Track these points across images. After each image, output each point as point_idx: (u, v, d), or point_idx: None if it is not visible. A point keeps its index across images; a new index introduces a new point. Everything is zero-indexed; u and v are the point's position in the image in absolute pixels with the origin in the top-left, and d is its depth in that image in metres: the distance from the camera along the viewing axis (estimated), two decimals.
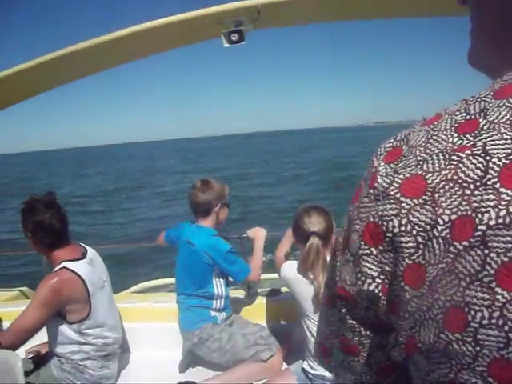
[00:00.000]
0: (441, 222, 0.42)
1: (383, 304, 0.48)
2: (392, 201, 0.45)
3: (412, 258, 0.43)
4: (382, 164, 0.48)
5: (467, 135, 0.44)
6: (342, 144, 70.74)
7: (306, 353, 2.35)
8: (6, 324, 2.54)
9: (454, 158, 0.43)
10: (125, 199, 23.02)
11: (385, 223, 0.46)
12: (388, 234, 0.45)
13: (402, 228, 0.44)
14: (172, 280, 4.48)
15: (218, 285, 2.73)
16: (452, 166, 0.43)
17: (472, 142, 0.43)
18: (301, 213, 2.29)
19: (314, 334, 2.23)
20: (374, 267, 0.47)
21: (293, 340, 2.77)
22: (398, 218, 0.44)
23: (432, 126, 0.47)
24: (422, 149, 0.46)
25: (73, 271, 2.32)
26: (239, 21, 2.46)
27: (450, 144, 0.44)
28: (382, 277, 0.46)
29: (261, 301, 3.10)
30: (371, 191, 0.48)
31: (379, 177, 0.48)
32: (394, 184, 0.46)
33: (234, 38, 2.43)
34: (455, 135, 0.44)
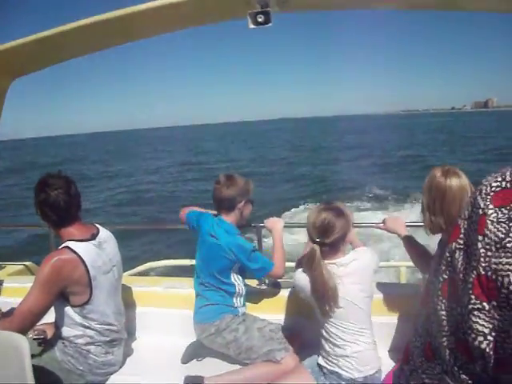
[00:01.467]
0: None
1: (491, 362, 0.43)
2: (509, 254, 0.40)
3: None
4: (492, 207, 0.44)
5: None
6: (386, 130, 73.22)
7: (321, 348, 2.31)
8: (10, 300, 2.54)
9: None
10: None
11: (500, 278, 0.41)
12: (503, 291, 0.41)
13: None
14: (177, 262, 4.50)
15: (237, 279, 2.71)
16: None
17: None
18: (312, 213, 2.23)
19: (330, 333, 2.20)
20: (485, 323, 0.42)
21: (303, 335, 2.73)
22: None
23: None
24: None
25: (74, 252, 2.29)
26: (266, 2, 2.38)
27: None
28: (493, 334, 0.42)
29: (268, 294, 3.05)
30: (480, 238, 0.43)
31: (490, 222, 0.42)
32: (511, 235, 0.41)
33: (260, 20, 2.34)
34: None
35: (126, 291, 2.89)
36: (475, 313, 0.42)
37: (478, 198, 0.45)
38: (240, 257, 2.61)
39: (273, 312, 2.90)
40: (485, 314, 0.42)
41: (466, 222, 0.45)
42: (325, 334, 2.25)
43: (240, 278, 2.73)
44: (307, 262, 2.20)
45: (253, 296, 2.94)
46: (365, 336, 2.21)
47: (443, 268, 0.46)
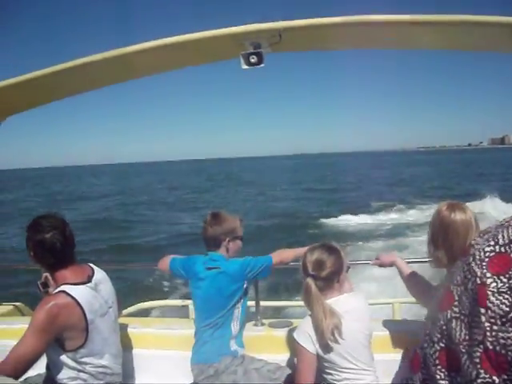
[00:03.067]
0: None
1: None
2: None
3: None
4: (489, 275, 0.42)
5: None
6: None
7: None
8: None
9: None
10: None
11: (510, 353, 0.38)
12: None
13: None
14: (168, 302, 4.43)
15: (239, 308, 2.70)
16: None
17: None
18: (307, 250, 2.25)
19: (332, 372, 2.13)
20: None
21: None
22: None
23: None
24: None
25: (71, 296, 2.21)
26: (258, 43, 2.45)
27: None
28: None
29: (265, 334, 2.99)
30: (483, 311, 0.41)
31: (490, 294, 0.41)
32: None
33: (252, 60, 2.41)
34: None
35: (121, 333, 2.83)
36: None
37: (473, 264, 0.44)
38: (246, 271, 2.65)
39: (270, 352, 2.84)
40: None
41: (459, 289, 0.44)
42: (327, 372, 2.18)
43: (243, 307, 2.71)
44: (304, 298, 2.17)
45: (250, 336, 2.88)
46: (368, 374, 2.16)
47: (438, 336, 0.45)
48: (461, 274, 0.43)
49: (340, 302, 2.18)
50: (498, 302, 0.39)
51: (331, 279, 2.18)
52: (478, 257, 0.42)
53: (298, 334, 2.19)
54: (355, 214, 22.59)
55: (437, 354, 0.44)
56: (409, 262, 2.66)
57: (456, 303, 0.41)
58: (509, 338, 0.36)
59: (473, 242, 0.44)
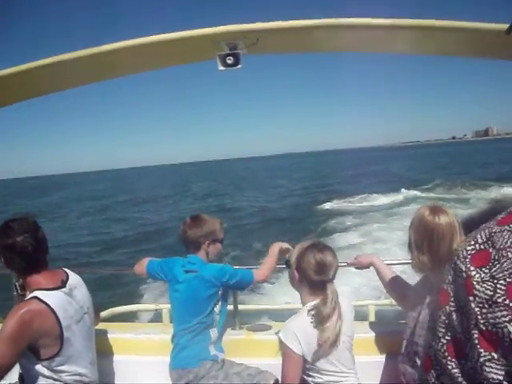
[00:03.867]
0: None
1: None
2: (502, 308, 0.47)
3: None
4: (473, 268, 0.50)
5: None
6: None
7: None
8: None
9: None
10: None
11: (499, 330, 0.45)
12: (506, 339, 0.48)
13: None
14: (140, 306, 4.37)
15: (218, 312, 2.67)
16: None
17: None
18: (306, 254, 2.20)
19: (315, 375, 2.12)
20: (498, 371, 0.45)
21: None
22: None
23: None
24: None
25: (44, 302, 2.13)
26: (235, 44, 2.44)
27: None
28: (507, 379, 0.44)
29: (245, 338, 2.97)
30: (471, 298, 0.52)
31: (476, 283, 0.51)
32: (499, 291, 0.48)
33: (229, 62, 2.39)
34: None
35: (97, 339, 2.77)
36: (487, 363, 0.49)
37: (458, 262, 0.52)
38: (224, 278, 2.60)
39: (250, 356, 2.82)
40: (495, 362, 0.50)
41: (452, 287, 0.51)
42: (308, 374, 2.18)
43: (220, 308, 2.67)
44: (326, 301, 2.13)
45: (229, 340, 2.86)
46: (349, 376, 2.17)
47: (443, 331, 0.51)
48: (451, 273, 0.50)
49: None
50: (482, 289, 0.47)
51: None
52: (461, 255, 0.50)
53: (285, 334, 2.16)
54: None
55: (444, 347, 0.50)
56: (387, 264, 2.68)
57: (452, 299, 0.49)
58: (496, 317, 0.44)
59: (457, 246, 0.53)
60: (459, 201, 22.37)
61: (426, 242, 2.04)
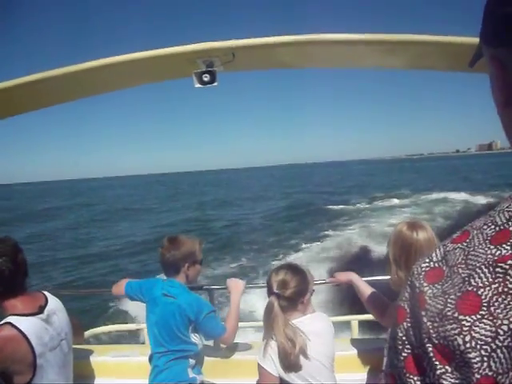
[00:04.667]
0: (501, 333, 0.45)
1: None
2: (451, 321, 0.47)
3: (480, 371, 0.45)
4: (426, 284, 0.51)
5: (503, 245, 0.48)
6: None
7: None
8: None
9: (498, 269, 0.47)
10: None
11: (450, 343, 0.47)
12: (457, 352, 0.46)
13: (467, 345, 0.46)
14: (120, 326, 4.30)
15: (196, 340, 2.59)
16: (500, 279, 0.46)
17: (511, 251, 0.46)
18: (273, 270, 2.20)
19: None
20: None
21: None
22: (461, 336, 0.47)
23: (465, 244, 0.51)
24: (463, 266, 0.50)
25: (17, 329, 2.06)
26: (211, 61, 2.44)
27: (489, 256, 0.48)
28: None
29: (225, 358, 2.92)
30: (423, 313, 0.50)
31: (428, 298, 0.50)
32: (449, 305, 0.48)
33: (205, 79, 2.39)
34: (492, 247, 0.48)
35: (76, 361, 2.69)
36: (443, 376, 0.48)
37: (413, 279, 0.52)
38: (198, 316, 2.51)
39: (230, 376, 2.77)
40: (450, 375, 0.47)
41: (408, 303, 0.52)
42: None
43: (197, 338, 2.60)
44: (266, 317, 2.11)
45: (208, 361, 2.80)
46: None
47: (400, 347, 0.52)
48: (407, 290, 0.52)
49: (303, 323, 2.13)
50: (434, 303, 0.50)
51: (295, 300, 2.13)
52: (415, 272, 0.52)
53: (261, 356, 2.12)
54: None
55: (403, 363, 0.50)
56: (366, 280, 2.68)
57: (409, 315, 0.50)
58: (446, 330, 0.47)
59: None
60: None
61: (404, 257, 2.04)
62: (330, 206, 29.72)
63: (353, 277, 2.64)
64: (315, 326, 2.15)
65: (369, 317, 2.88)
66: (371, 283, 2.63)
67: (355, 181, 62.75)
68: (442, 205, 25.17)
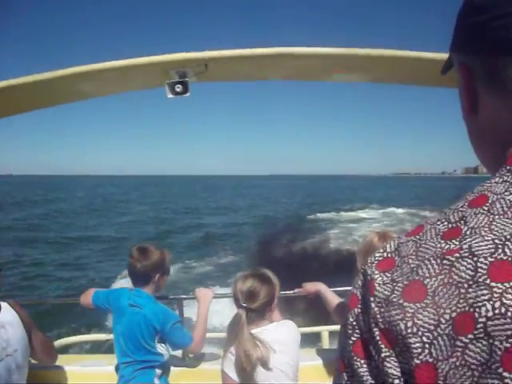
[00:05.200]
0: (443, 321, 0.47)
1: None
2: (396, 307, 0.49)
3: (420, 357, 0.47)
4: (377, 272, 0.53)
5: (453, 240, 0.50)
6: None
7: None
8: None
9: (445, 261, 0.49)
10: None
11: (393, 327, 0.49)
12: (399, 337, 0.49)
13: (409, 330, 0.48)
14: (89, 337, 4.22)
15: (162, 351, 2.56)
16: (446, 270, 0.48)
17: (458, 246, 0.49)
18: (238, 278, 2.17)
19: None
20: (397, 368, 0.49)
21: None
22: (404, 321, 0.49)
23: (418, 237, 0.54)
24: (413, 257, 0.52)
25: None
26: (184, 72, 2.46)
27: (438, 249, 0.50)
28: (403, 377, 0.49)
29: (192, 368, 2.89)
30: (372, 299, 0.52)
31: (377, 285, 0.52)
32: (396, 292, 0.50)
33: (178, 90, 2.41)
34: (442, 241, 0.51)
35: (44, 372, 2.62)
36: (387, 359, 0.49)
37: (366, 267, 0.55)
38: (164, 326, 2.49)
39: None
40: (393, 359, 0.49)
41: (360, 291, 0.54)
42: None
43: (164, 348, 2.57)
44: (230, 328, 2.10)
45: (176, 371, 2.77)
46: None
47: (350, 332, 0.54)
48: (361, 278, 0.55)
49: (269, 331, 2.11)
50: (382, 289, 0.51)
51: (264, 310, 2.12)
52: (369, 261, 0.54)
53: (224, 361, 2.12)
54: None
55: (351, 347, 0.52)
56: (334, 291, 2.70)
57: (360, 302, 0.52)
58: (391, 315, 0.49)
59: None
60: None
61: None
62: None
63: (321, 287, 2.66)
64: (280, 334, 2.14)
65: (338, 327, 2.89)
66: (339, 293, 2.65)
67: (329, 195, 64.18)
68: (416, 219, 26.17)
